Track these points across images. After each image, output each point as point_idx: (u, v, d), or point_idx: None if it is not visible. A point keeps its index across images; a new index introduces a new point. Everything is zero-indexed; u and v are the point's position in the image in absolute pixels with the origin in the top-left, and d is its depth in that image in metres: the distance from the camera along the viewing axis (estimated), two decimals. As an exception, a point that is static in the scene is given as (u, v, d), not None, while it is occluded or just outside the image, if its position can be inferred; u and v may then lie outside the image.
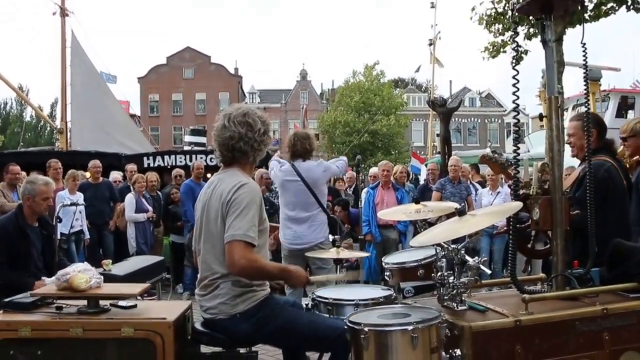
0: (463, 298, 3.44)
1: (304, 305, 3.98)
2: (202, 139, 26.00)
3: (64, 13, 21.94)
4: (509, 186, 5.06)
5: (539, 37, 3.80)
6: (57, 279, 3.70)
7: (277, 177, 6.46)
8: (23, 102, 53.06)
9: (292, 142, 6.33)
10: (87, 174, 11.16)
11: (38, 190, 5.54)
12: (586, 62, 3.92)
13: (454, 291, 3.42)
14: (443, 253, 3.54)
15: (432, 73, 37.40)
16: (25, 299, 3.76)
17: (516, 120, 3.74)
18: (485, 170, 10.59)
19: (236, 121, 3.66)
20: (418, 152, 35.94)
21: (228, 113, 3.73)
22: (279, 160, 6.62)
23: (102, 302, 3.72)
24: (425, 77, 45.87)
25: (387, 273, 4.08)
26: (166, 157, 13.55)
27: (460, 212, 3.56)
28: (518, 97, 3.53)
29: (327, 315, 3.83)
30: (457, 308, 3.39)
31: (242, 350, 3.81)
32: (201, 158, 12.58)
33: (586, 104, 4.03)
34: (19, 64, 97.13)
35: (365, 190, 10.88)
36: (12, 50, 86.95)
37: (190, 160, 12.51)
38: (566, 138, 4.61)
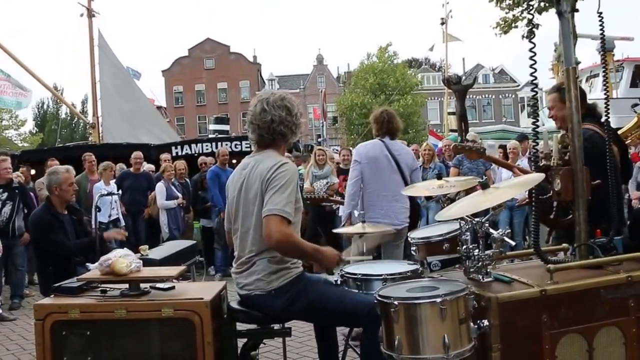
0: (488, 270, 3.51)
1: (333, 282, 4.09)
2: (226, 127, 26.24)
3: (90, 14, 22.33)
4: (529, 159, 5.10)
5: (550, 10, 3.82)
6: (100, 264, 3.87)
7: (362, 153, 6.22)
8: (58, 100, 53.82)
9: (382, 119, 6.25)
10: (122, 165, 11.47)
11: (62, 178, 5.80)
12: (603, 31, 3.92)
13: (480, 263, 3.50)
14: (467, 226, 3.63)
15: (446, 51, 37.22)
16: (72, 283, 3.96)
17: (534, 93, 3.76)
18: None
19: (275, 105, 3.78)
20: (435, 129, 35.77)
21: (265, 98, 3.84)
22: None
23: (142, 285, 3.88)
24: (438, 56, 45.62)
25: (413, 248, 4.18)
26: (193, 145, 13.75)
27: (484, 185, 3.62)
28: (535, 70, 3.52)
29: (357, 291, 3.91)
30: (483, 280, 3.47)
31: (276, 327, 3.91)
32: (226, 145, 12.75)
33: (604, 74, 4.05)
34: (53, 65, 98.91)
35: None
36: (46, 52, 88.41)
37: (216, 147, 12.67)
38: (547, 112, 4.60)
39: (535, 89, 3.69)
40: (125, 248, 4.11)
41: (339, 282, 4.02)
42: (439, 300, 3.01)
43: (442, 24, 36.36)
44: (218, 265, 10.48)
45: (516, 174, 5.60)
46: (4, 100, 21.22)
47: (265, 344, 4.36)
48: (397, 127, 6.30)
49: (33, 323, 7.25)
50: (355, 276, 3.98)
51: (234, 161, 11.21)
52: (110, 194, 8.54)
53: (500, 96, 61.72)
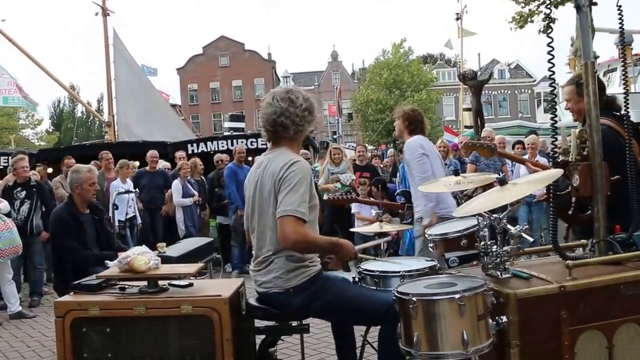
0: (507, 266, 3.50)
1: (351, 279, 4.09)
2: (241, 124, 26.23)
3: (105, 13, 22.47)
4: (548, 154, 5.06)
5: (566, 4, 3.79)
6: (119, 262, 3.91)
7: (426, 147, 6.02)
8: (74, 99, 54.29)
9: (417, 116, 6.12)
10: (137, 164, 11.53)
11: (84, 177, 5.83)
12: (622, 25, 3.88)
13: (498, 259, 3.49)
14: (485, 223, 3.62)
15: (461, 47, 37.00)
16: (91, 281, 3.99)
17: (553, 88, 3.72)
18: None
19: (279, 97, 3.78)
20: (450, 126, 35.66)
21: (273, 92, 3.87)
22: None
23: (160, 282, 3.90)
24: (453, 52, 45.35)
25: (431, 244, 4.17)
26: (209, 143, 13.79)
27: (502, 182, 3.61)
28: (553, 65, 3.51)
29: (375, 289, 3.90)
30: (501, 276, 3.45)
31: (294, 324, 3.92)
32: (242, 142, 12.77)
33: (623, 69, 4.01)
34: (70, 64, 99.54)
35: (402, 165, 10.92)
36: (62, 52, 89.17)
37: (232, 144, 12.71)
38: (564, 104, 4.57)
39: (553, 84, 3.66)
40: (143, 245, 4.14)
41: (356, 279, 4.02)
42: (457, 296, 3.00)
43: (457, 19, 36.19)
44: (235, 262, 10.52)
45: (530, 169, 5.57)
46: (15, 98, 21.41)
47: (283, 340, 4.39)
48: (427, 125, 6.28)
49: (52, 320, 7.36)
50: (373, 273, 3.97)
51: (250, 158, 11.26)
52: (127, 191, 8.61)
53: (516, 91, 61.44)
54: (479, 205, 3.60)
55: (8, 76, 20.76)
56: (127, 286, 3.93)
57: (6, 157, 13.32)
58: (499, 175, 3.86)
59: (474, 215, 3.73)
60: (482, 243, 3.58)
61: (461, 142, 11.60)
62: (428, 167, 5.75)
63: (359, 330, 4.39)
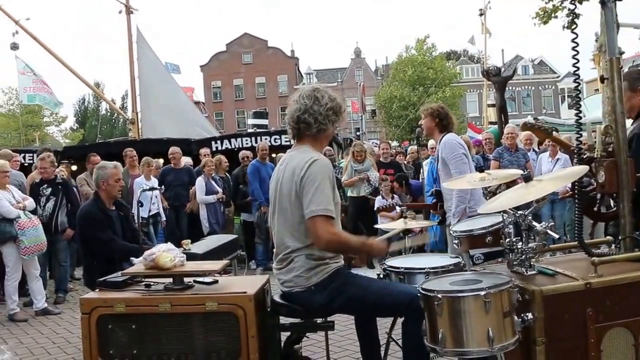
0: (532, 263, 3.49)
1: (375, 276, 4.09)
2: (264, 121, 26.32)
3: (128, 11, 22.63)
4: (572, 151, 4.99)
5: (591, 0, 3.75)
6: (144, 259, 3.94)
7: (463, 145, 6.02)
8: (98, 97, 54.86)
9: (446, 113, 6.08)
10: (160, 161, 11.61)
11: (110, 174, 5.88)
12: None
13: (523, 256, 3.47)
14: (510, 219, 3.60)
15: (484, 43, 36.71)
16: (117, 278, 4.03)
17: (577, 84, 3.70)
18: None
19: (305, 95, 3.79)
20: (474, 122, 35.44)
21: (300, 89, 3.89)
22: None
23: (186, 279, 3.93)
24: (477, 48, 45.04)
25: (456, 241, 4.16)
26: (233, 140, 13.82)
27: (527, 178, 3.59)
28: (578, 61, 3.49)
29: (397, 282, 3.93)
30: (527, 273, 3.44)
31: (318, 320, 3.91)
32: (265, 139, 12.78)
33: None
34: (94, 61, 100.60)
35: (427, 161, 10.90)
36: (86, 50, 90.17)
37: (256, 141, 12.73)
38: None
39: (578, 80, 3.64)
40: (169, 242, 4.17)
41: (381, 276, 4.02)
42: (482, 293, 2.99)
43: (481, 15, 35.92)
44: (259, 259, 10.56)
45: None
46: (39, 96, 21.64)
47: (308, 337, 4.39)
48: (455, 122, 6.23)
49: (77, 317, 7.44)
50: (398, 269, 3.98)
51: (274, 155, 11.29)
52: (152, 189, 8.67)
53: (540, 87, 60.90)
54: (503, 202, 3.59)
55: (32, 74, 20.99)
56: (152, 283, 3.97)
57: (31, 155, 13.45)
58: (523, 171, 3.85)
59: (499, 212, 3.71)
60: (507, 240, 3.56)
61: (485, 139, 11.55)
62: (467, 168, 5.73)
63: (383, 328, 4.39)
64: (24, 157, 12.54)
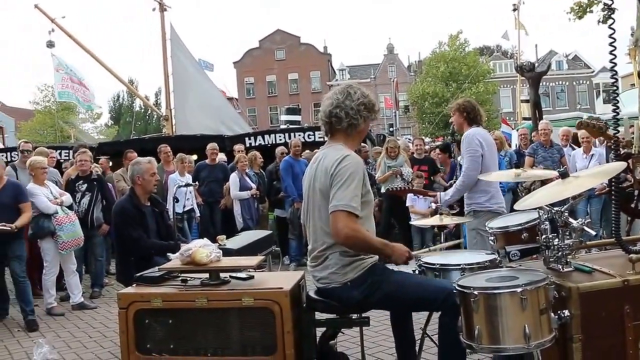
0: (568, 260, 3.46)
1: (411, 271, 4.07)
2: (297, 117, 26.30)
3: (162, 8, 22.82)
4: (609, 146, 4.93)
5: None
6: (181, 254, 3.98)
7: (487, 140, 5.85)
8: (132, 94, 55.49)
9: (474, 106, 5.93)
10: (194, 157, 11.69)
11: (144, 169, 5.94)
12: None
13: (559, 253, 3.45)
14: (546, 216, 3.56)
15: (518, 38, 36.16)
16: (154, 273, 4.08)
17: (614, 80, 3.64)
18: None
19: (337, 91, 3.82)
20: (507, 118, 35.05)
21: (334, 87, 3.92)
22: None
23: (222, 275, 3.96)
24: (510, 43, 44.38)
25: (491, 237, 4.13)
26: (266, 136, 13.86)
27: (563, 175, 3.55)
28: (615, 57, 3.44)
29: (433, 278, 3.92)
30: (563, 270, 3.42)
31: (354, 316, 3.92)
32: (299, 135, 12.80)
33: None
34: (128, 59, 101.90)
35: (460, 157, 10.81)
36: (120, 47, 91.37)
37: (289, 137, 12.76)
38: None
39: (615, 76, 3.58)
40: (205, 238, 4.20)
41: (417, 272, 4.01)
42: (519, 290, 2.98)
43: (514, 10, 35.48)
44: (292, 255, 10.60)
45: None
46: (66, 94, 21.95)
47: (343, 333, 4.40)
48: (483, 115, 6.13)
49: (113, 311, 7.55)
50: (433, 266, 3.96)
51: (308, 151, 11.29)
52: (187, 184, 8.73)
53: (574, 83, 60.08)
54: (540, 199, 3.55)
55: (64, 72, 21.28)
56: (188, 278, 4.01)
57: (67, 151, 13.62)
58: (558, 167, 3.80)
59: (535, 209, 3.68)
60: (544, 236, 3.53)
61: (520, 135, 11.43)
62: (477, 166, 5.56)
63: (417, 324, 4.38)
64: (59, 154, 12.69)
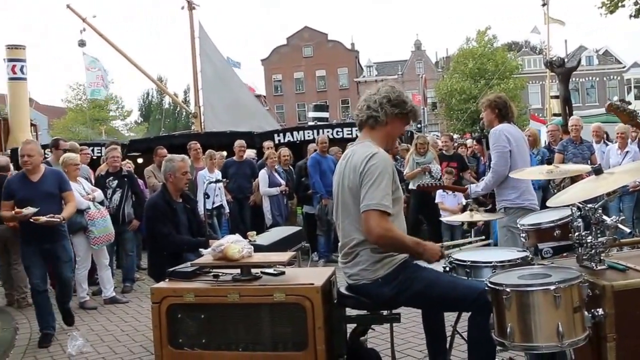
0: (602, 257, 3.42)
1: (441, 269, 4.06)
2: (325, 114, 26.33)
3: (191, 7, 22.99)
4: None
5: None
6: (213, 250, 4.01)
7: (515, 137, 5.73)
8: (161, 91, 56.05)
9: (505, 102, 5.83)
10: (224, 154, 11.76)
11: (177, 166, 5.98)
12: None
13: (593, 251, 3.42)
14: (579, 213, 3.53)
15: (547, 33, 35.74)
16: (186, 268, 4.12)
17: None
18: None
19: (373, 87, 3.87)
20: (536, 114, 34.70)
21: None
22: None
23: (253, 270, 3.99)
24: (539, 39, 43.80)
25: (523, 235, 4.10)
26: (295, 132, 13.89)
27: (597, 171, 3.51)
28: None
29: (466, 279, 3.88)
30: (596, 268, 3.39)
31: (384, 313, 3.91)
32: (327, 132, 12.81)
33: None
34: (157, 56, 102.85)
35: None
36: (149, 45, 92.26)
37: (318, 134, 12.77)
38: None
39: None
40: (236, 234, 4.23)
41: (447, 269, 4.00)
42: (552, 287, 2.95)
43: (544, 5, 35.08)
44: (321, 251, 10.61)
45: None
46: (97, 91, 22.25)
47: (373, 329, 4.40)
48: (514, 111, 6.06)
49: (144, 305, 7.63)
50: (464, 263, 3.94)
51: (339, 148, 11.30)
52: (217, 181, 8.79)
53: (605, 78, 59.26)
54: (573, 196, 3.52)
55: (96, 69, 21.57)
56: (220, 274, 4.04)
57: (99, 148, 13.80)
58: (588, 164, 3.77)
59: (568, 206, 3.64)
60: (577, 234, 3.49)
61: (550, 131, 11.31)
62: (506, 162, 5.51)
63: (448, 321, 4.37)
64: (92, 150, 12.84)
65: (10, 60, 22.80)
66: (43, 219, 6.24)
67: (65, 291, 6.94)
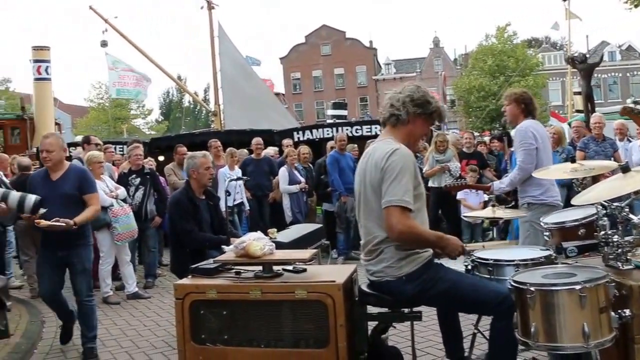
0: (628, 257, 3.38)
1: (462, 268, 4.05)
2: (344, 112, 26.28)
3: (210, 7, 23.10)
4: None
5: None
6: (235, 247, 4.03)
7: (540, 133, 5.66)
8: (182, 90, 56.33)
9: (529, 98, 5.76)
10: (245, 151, 11.80)
11: (199, 162, 6.03)
12: None
13: (619, 250, 3.37)
14: (605, 211, 3.49)
15: (568, 29, 35.39)
16: (208, 265, 4.14)
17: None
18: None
19: (399, 85, 3.88)
20: (557, 111, 34.39)
21: None
22: None
23: (275, 267, 3.99)
24: (559, 35, 43.34)
25: (547, 233, 4.06)
26: (314, 130, 13.91)
27: (625, 169, 3.47)
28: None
29: (488, 277, 3.85)
30: (623, 267, 3.35)
31: (405, 311, 3.89)
32: (346, 129, 12.82)
33: None
34: (177, 56, 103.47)
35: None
36: (169, 44, 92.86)
37: (337, 132, 12.76)
38: None
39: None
40: (258, 231, 4.24)
41: (469, 267, 3.97)
42: (578, 287, 2.92)
43: (564, 0, 34.76)
44: (340, 248, 10.61)
45: None
46: (125, 90, 22.44)
47: (394, 327, 4.39)
48: (537, 108, 5.99)
49: (166, 301, 7.67)
50: (487, 261, 3.91)
51: (355, 145, 11.30)
52: (238, 178, 8.84)
53: (628, 74, 58.54)
54: (599, 194, 3.48)
55: (119, 69, 21.75)
56: (242, 271, 4.05)
57: (121, 146, 13.91)
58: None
59: (593, 204, 3.60)
60: (602, 233, 3.45)
61: (574, 128, 11.20)
62: (533, 159, 5.44)
63: (466, 320, 4.35)
64: (114, 149, 12.95)
65: (35, 61, 23.15)
66: (45, 222, 5.35)
67: (86, 321, 5.96)
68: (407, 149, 3.70)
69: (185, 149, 10.54)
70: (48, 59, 23.51)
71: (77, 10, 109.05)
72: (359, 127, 13.37)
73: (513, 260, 3.87)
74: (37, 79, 23.13)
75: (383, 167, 3.58)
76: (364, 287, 3.86)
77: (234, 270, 4.08)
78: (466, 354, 4.34)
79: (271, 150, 12.34)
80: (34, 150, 13.87)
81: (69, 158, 7.65)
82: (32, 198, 4.36)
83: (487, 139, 13.82)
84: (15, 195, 4.30)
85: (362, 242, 3.89)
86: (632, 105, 4.87)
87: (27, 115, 22.40)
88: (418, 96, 3.77)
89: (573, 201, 3.78)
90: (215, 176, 10.20)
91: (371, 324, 4.05)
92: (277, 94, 34.86)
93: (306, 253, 4.18)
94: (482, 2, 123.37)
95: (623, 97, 53.21)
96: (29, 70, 23.25)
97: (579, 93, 20.03)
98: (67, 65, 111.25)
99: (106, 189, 8.10)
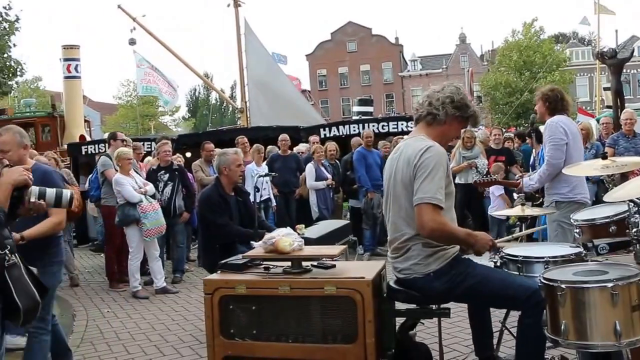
0: (661, 255, 3.36)
1: (493, 263, 4.03)
2: (369, 109, 26.27)
3: (237, 4, 23.17)
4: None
5: None
6: (264, 243, 4.05)
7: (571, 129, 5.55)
8: (208, 87, 56.67)
9: (559, 94, 5.67)
10: (275, 148, 11.86)
11: (231, 159, 6.09)
12: None
13: (652, 248, 3.36)
14: (637, 209, 3.46)
15: (597, 24, 34.85)
16: (238, 260, 4.17)
17: None
18: None
19: (439, 84, 3.89)
20: (584, 107, 33.94)
21: None
22: None
23: (303, 263, 4.01)
24: (587, 30, 42.54)
25: (577, 230, 4.03)
26: (341, 127, 13.91)
27: (659, 166, 3.45)
28: None
29: (517, 274, 3.84)
30: (656, 265, 3.31)
31: (433, 307, 3.91)
32: (373, 126, 12.82)
33: None
34: (204, 53, 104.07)
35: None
36: (197, 42, 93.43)
37: (363, 128, 12.77)
38: None
39: None
40: (288, 227, 4.26)
41: (498, 264, 3.96)
42: (610, 285, 2.91)
43: (594, -6, 34.25)
44: (366, 244, 10.62)
45: None
46: (150, 88, 22.65)
47: (422, 323, 4.39)
48: (570, 103, 5.85)
49: (193, 296, 7.74)
50: (516, 258, 3.89)
51: (387, 142, 11.29)
52: (266, 174, 8.89)
53: (659, 70, 57.54)
54: (631, 191, 3.45)
55: (146, 67, 21.94)
56: (271, 266, 4.08)
57: (149, 143, 14.03)
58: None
59: (625, 201, 3.57)
60: (635, 230, 3.42)
61: (603, 124, 11.07)
62: (562, 154, 5.33)
63: (493, 317, 4.34)
64: (143, 145, 13.07)
65: (65, 59, 23.46)
66: None
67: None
68: (440, 146, 3.70)
69: (212, 145, 10.64)
70: (78, 58, 23.80)
71: (107, 10, 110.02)
72: (385, 124, 13.35)
73: (543, 257, 3.84)
74: (67, 77, 23.43)
75: (416, 164, 3.57)
76: (392, 284, 3.86)
77: (263, 266, 4.10)
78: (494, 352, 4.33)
79: (302, 147, 12.38)
80: (65, 147, 14.06)
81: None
82: (67, 193, 4.19)
83: (511, 134, 13.68)
84: (51, 191, 4.18)
85: (389, 238, 3.89)
86: None
87: (57, 112, 22.68)
88: (458, 98, 3.77)
89: (605, 198, 3.75)
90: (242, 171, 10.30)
91: (399, 320, 4.04)
92: (304, 91, 34.92)
93: (335, 249, 4.19)
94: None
95: (654, 93, 52.45)
96: (59, 68, 23.63)
97: (608, 89, 19.79)
98: (96, 63, 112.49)
99: (135, 186, 8.21)
